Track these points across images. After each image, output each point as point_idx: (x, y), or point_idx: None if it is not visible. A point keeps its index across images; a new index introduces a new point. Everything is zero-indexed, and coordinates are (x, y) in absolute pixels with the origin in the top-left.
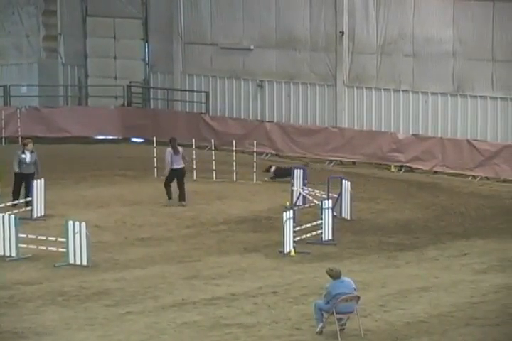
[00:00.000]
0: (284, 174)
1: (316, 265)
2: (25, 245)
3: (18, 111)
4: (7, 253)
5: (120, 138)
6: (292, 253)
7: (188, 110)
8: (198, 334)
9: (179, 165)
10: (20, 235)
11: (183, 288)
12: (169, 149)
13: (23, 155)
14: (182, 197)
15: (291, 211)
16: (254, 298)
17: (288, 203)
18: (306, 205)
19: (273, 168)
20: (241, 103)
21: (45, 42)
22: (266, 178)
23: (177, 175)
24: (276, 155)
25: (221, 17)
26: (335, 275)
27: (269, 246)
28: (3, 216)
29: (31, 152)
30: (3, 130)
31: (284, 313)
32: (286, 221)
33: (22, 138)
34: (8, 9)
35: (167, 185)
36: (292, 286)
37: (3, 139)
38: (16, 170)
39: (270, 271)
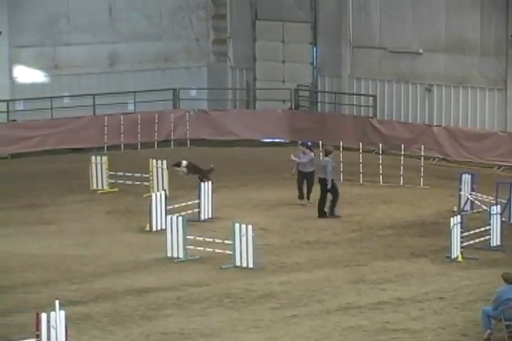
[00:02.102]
0: (196, 171)
1: (483, 271)
2: (192, 247)
3: (187, 114)
4: (175, 255)
5: (287, 141)
6: (460, 258)
7: (355, 114)
8: (364, 338)
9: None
10: (188, 237)
11: (349, 292)
12: (312, 154)
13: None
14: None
15: (459, 216)
16: (420, 303)
17: (455, 208)
18: (474, 210)
19: (184, 163)
20: (409, 107)
21: (215, 45)
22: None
23: None
24: (444, 159)
25: (390, 20)
26: (510, 280)
27: (436, 251)
28: (171, 218)
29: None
30: (172, 132)
31: (451, 319)
32: (453, 226)
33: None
34: (179, 13)
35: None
36: (459, 292)
37: (172, 142)
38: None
39: (437, 277)
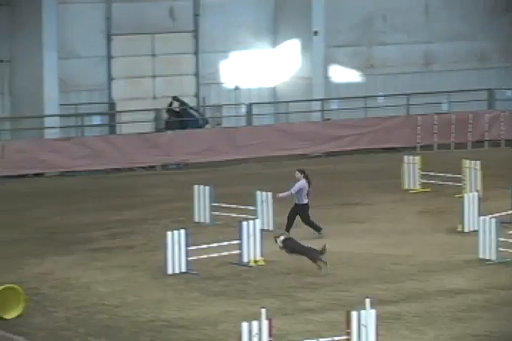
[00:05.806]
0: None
1: None
2: (505, 249)
3: (502, 114)
4: (487, 257)
5: None
6: None
7: None
8: None
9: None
10: (501, 239)
11: None
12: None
13: None
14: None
15: None
16: None
17: None
18: None
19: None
20: None
21: None
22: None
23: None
24: None
25: None
26: None
27: None
28: (484, 219)
29: None
30: (486, 133)
31: None
32: None
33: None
34: (495, 12)
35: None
36: None
37: (486, 142)
38: None
39: None
